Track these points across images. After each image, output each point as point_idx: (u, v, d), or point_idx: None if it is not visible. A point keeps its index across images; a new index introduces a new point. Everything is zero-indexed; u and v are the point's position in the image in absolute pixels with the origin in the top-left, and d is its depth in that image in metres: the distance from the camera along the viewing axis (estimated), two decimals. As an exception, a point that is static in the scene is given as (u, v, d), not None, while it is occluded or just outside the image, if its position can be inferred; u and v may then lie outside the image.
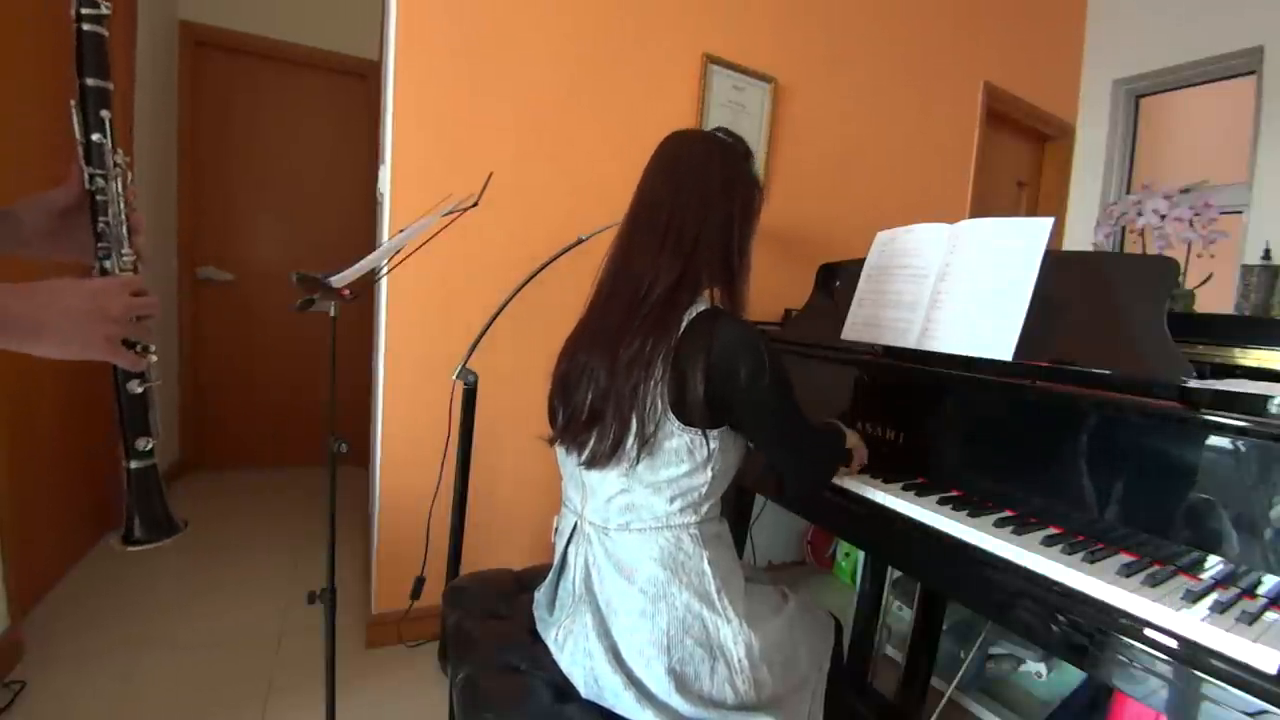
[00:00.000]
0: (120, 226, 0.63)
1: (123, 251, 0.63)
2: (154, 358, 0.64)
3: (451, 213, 1.33)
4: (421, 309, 1.67)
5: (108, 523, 2.25)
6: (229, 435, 3.03)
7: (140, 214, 0.66)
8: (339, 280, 1.14)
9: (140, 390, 0.63)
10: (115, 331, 0.57)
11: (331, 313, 1.21)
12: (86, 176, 0.62)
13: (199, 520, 2.47)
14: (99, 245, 0.62)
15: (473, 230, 1.60)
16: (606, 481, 0.86)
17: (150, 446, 0.64)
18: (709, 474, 0.85)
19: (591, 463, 0.85)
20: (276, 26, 2.90)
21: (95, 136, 0.62)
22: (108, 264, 0.63)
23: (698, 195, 0.87)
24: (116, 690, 1.46)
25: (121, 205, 0.63)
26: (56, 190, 0.66)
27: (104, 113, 0.62)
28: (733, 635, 0.84)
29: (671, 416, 0.81)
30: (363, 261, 1.21)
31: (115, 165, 0.63)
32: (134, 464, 0.64)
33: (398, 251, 1.33)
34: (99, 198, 0.62)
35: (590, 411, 0.85)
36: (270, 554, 2.22)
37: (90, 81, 0.61)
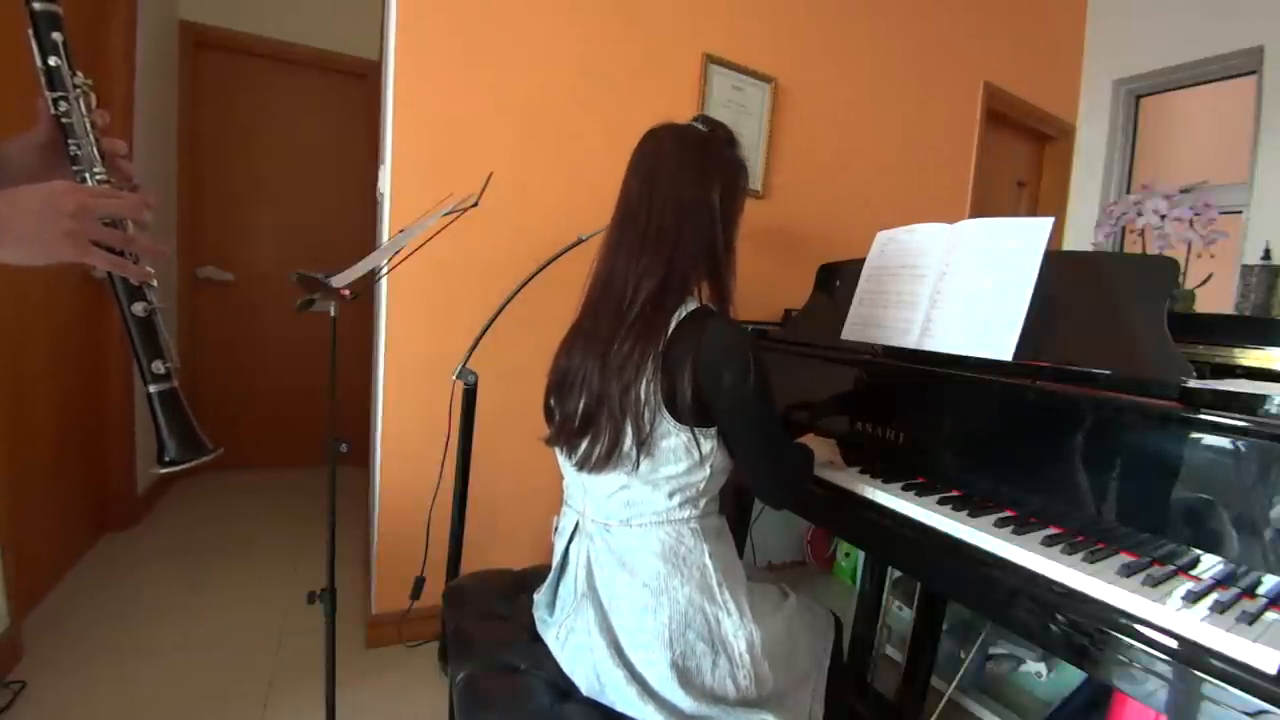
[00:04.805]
0: (90, 147, 0.63)
1: (94, 170, 0.63)
2: (151, 272, 0.63)
3: (451, 213, 1.33)
4: (421, 309, 1.67)
5: (108, 523, 2.25)
6: (229, 435, 3.02)
7: (119, 140, 0.67)
8: (339, 280, 1.14)
9: (144, 314, 0.63)
10: (73, 227, 0.56)
11: (331, 313, 1.20)
12: (51, 102, 0.62)
13: (199, 520, 2.48)
14: (74, 169, 0.63)
15: (473, 230, 1.60)
16: (607, 478, 0.86)
17: (166, 369, 0.64)
18: (707, 470, 0.85)
19: (584, 465, 0.86)
20: (276, 26, 2.89)
21: (52, 60, 0.62)
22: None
23: (673, 192, 0.86)
24: (116, 690, 1.46)
25: (88, 125, 0.63)
26: (34, 128, 0.66)
27: (55, 35, 0.62)
28: (734, 629, 0.85)
29: (666, 414, 0.81)
30: (363, 261, 1.21)
31: (75, 87, 0.63)
32: (153, 388, 0.64)
33: (398, 251, 1.33)
34: (64, 120, 0.62)
35: (584, 415, 0.85)
36: (270, 554, 2.22)
37: (38, 5, 0.61)
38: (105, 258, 0.59)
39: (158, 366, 0.64)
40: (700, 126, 0.92)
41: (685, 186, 0.86)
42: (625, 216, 0.89)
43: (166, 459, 0.64)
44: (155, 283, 0.64)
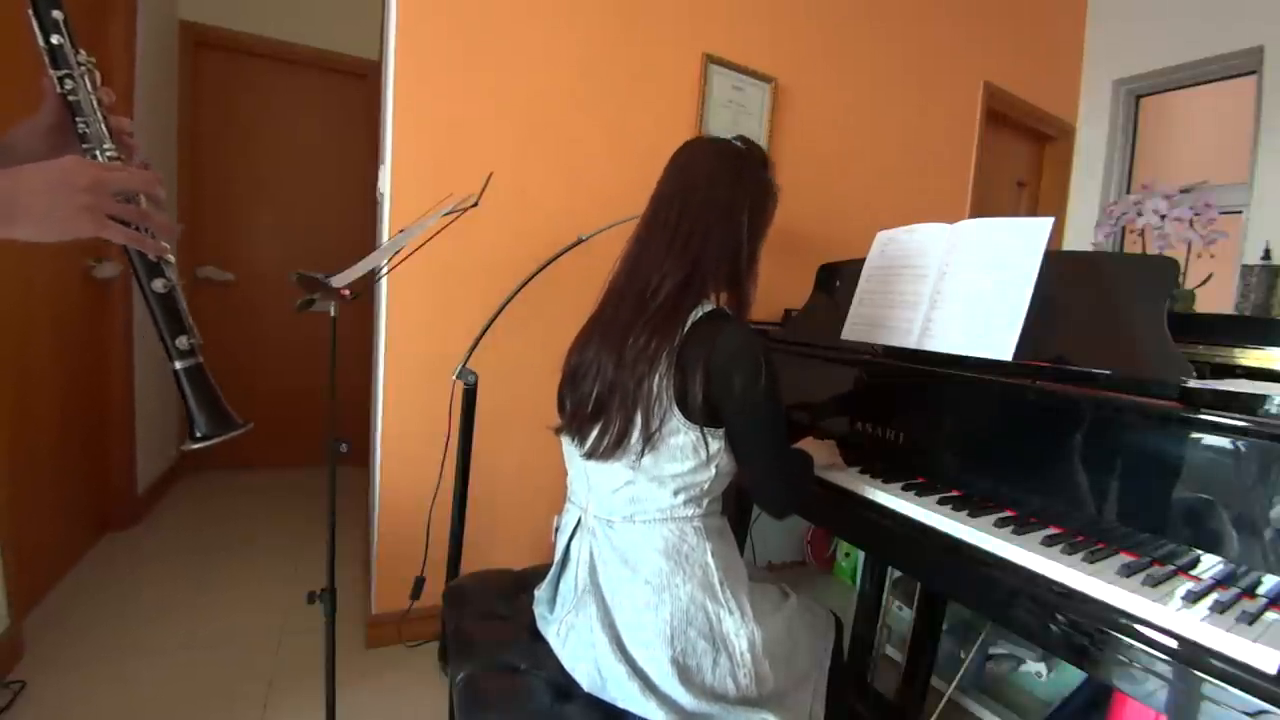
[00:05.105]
0: (99, 124, 0.62)
1: (104, 146, 0.62)
2: (167, 247, 0.62)
3: (451, 213, 1.33)
4: (421, 309, 1.67)
5: (108, 523, 2.25)
6: (229, 435, 3.02)
7: (124, 118, 0.66)
8: (339, 280, 1.14)
9: (164, 290, 0.63)
10: (89, 201, 0.55)
11: (331, 313, 1.21)
12: (56, 81, 0.61)
13: (200, 520, 2.48)
14: (84, 147, 0.62)
15: (473, 231, 1.60)
16: (612, 473, 0.87)
17: (190, 345, 0.64)
18: (713, 470, 0.86)
19: (592, 455, 0.87)
20: (276, 26, 2.90)
21: (55, 39, 0.61)
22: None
23: (707, 200, 0.89)
24: (116, 690, 1.46)
25: (95, 102, 0.62)
26: (39, 112, 0.65)
27: (55, 13, 0.61)
28: (735, 627, 0.85)
29: (676, 412, 0.82)
30: (363, 261, 1.21)
31: (80, 64, 0.62)
32: (179, 364, 0.63)
33: (398, 251, 1.33)
34: (71, 98, 0.61)
35: (595, 403, 0.87)
36: (270, 554, 2.22)
37: None
38: (123, 232, 0.58)
39: (182, 342, 0.63)
40: (738, 143, 0.95)
41: (718, 196, 0.90)
42: (655, 218, 0.92)
43: (198, 434, 0.63)
44: (172, 258, 0.64)
